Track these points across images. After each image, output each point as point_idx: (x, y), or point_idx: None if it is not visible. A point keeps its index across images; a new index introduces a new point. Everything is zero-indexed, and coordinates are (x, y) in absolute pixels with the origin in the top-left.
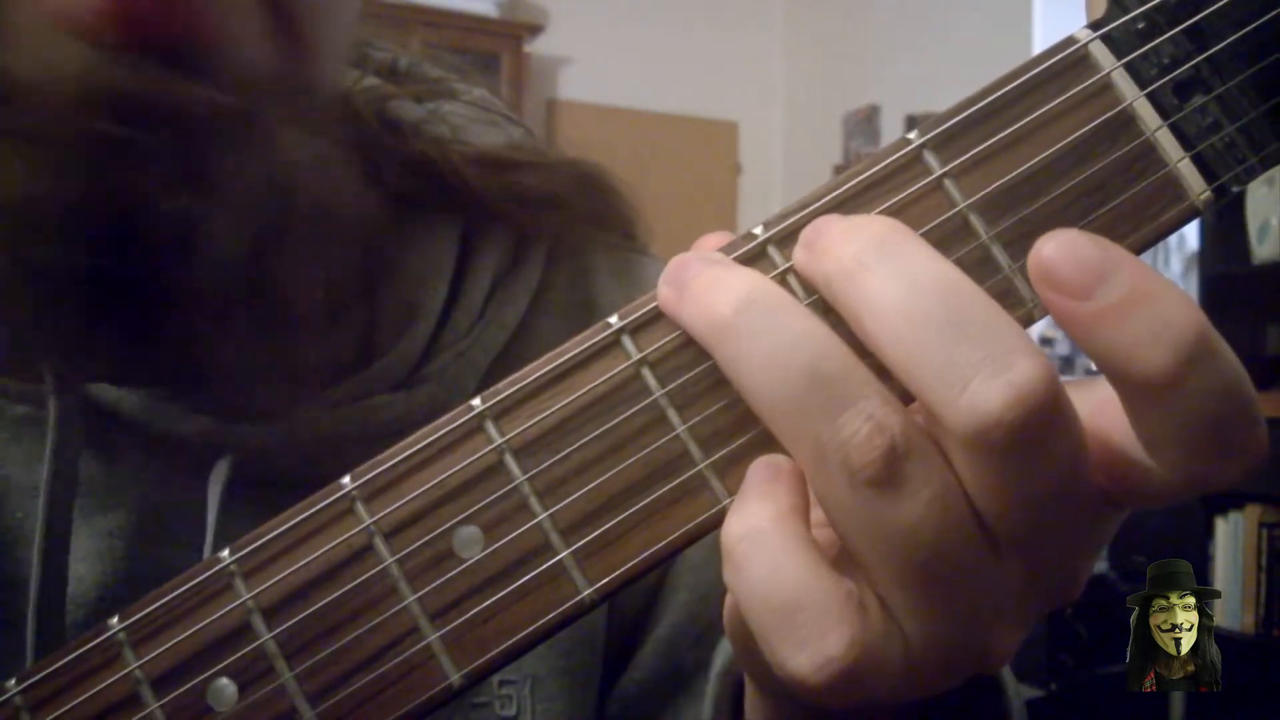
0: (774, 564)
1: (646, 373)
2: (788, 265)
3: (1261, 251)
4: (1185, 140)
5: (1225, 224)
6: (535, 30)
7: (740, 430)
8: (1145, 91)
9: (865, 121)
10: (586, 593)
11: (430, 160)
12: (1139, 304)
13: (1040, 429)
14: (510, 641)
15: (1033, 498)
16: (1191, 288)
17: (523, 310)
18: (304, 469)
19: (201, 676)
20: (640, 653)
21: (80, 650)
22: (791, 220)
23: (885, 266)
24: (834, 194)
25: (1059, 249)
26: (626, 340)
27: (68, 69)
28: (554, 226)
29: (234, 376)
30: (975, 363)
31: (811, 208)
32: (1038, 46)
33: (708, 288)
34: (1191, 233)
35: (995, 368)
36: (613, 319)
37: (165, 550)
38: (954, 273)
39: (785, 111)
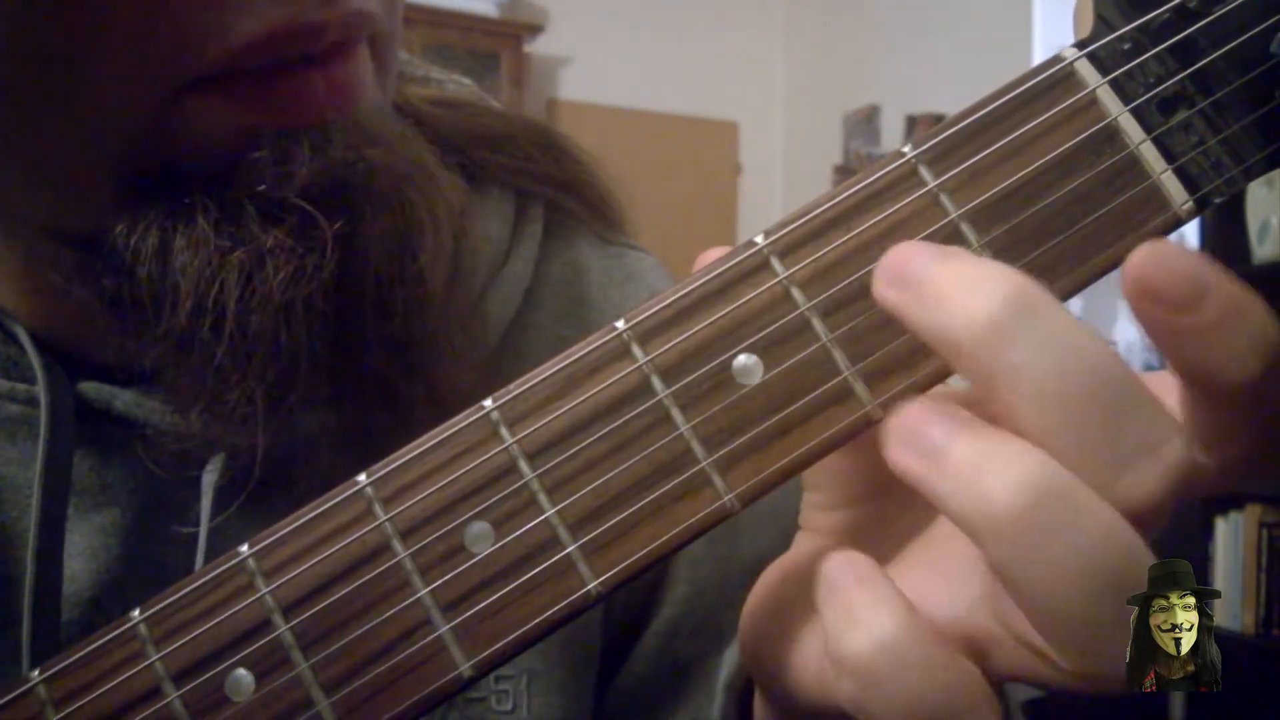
0: (916, 675)
1: (652, 375)
2: (788, 274)
3: (1261, 251)
4: (1168, 153)
5: (1225, 224)
6: (535, 30)
7: (741, 429)
8: (1129, 107)
9: (865, 121)
10: (593, 585)
11: (397, 107)
12: (1238, 315)
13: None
14: (519, 632)
15: None
16: None
17: (515, 307)
18: (296, 467)
19: (220, 667)
20: (638, 647)
21: (101, 642)
22: (791, 228)
23: (1030, 336)
24: (832, 203)
25: (1159, 263)
26: (632, 344)
27: (303, 172)
28: (511, 169)
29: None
30: (1133, 444)
31: (811, 215)
32: (1038, 46)
33: (977, 467)
34: (1191, 233)
35: (1151, 447)
36: (619, 323)
37: (159, 547)
38: (1102, 347)
39: (785, 111)
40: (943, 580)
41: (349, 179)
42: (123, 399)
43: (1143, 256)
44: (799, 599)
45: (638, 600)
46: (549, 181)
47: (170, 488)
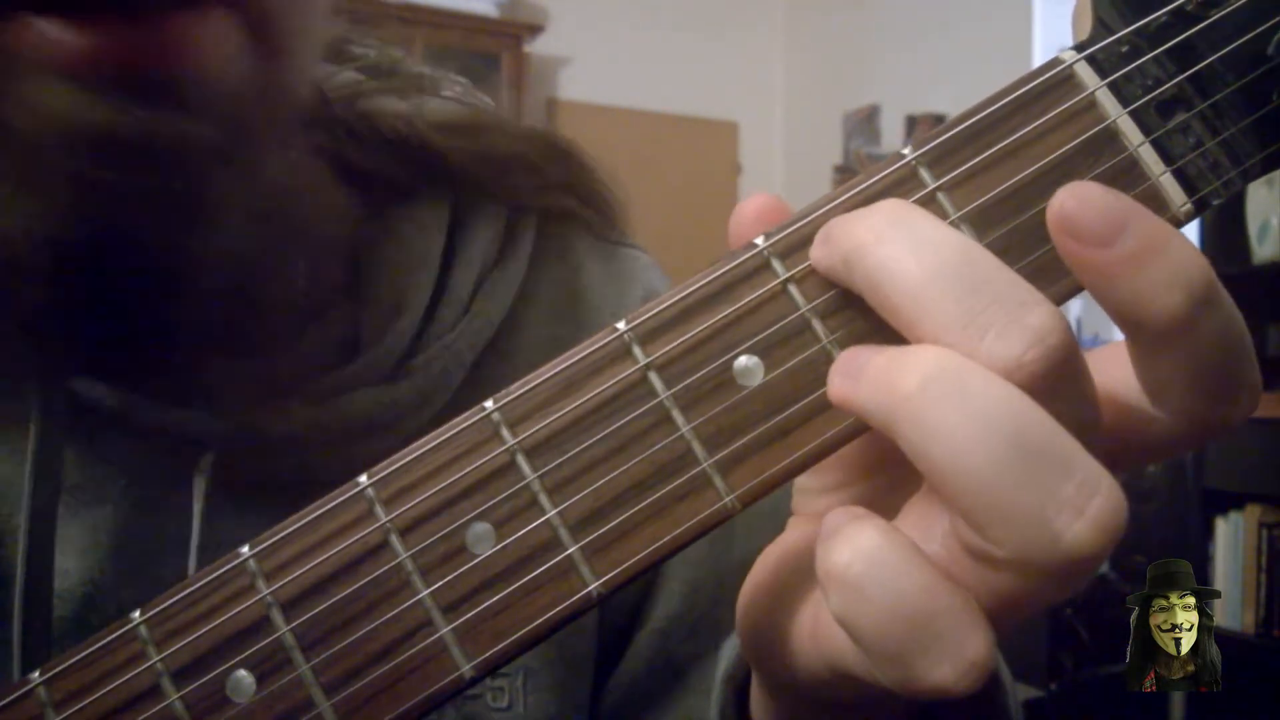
0: (897, 578)
1: (653, 376)
2: (790, 276)
3: (1261, 251)
4: (1166, 155)
5: (1225, 224)
6: (535, 30)
7: (742, 430)
8: (1128, 110)
9: (865, 121)
10: (594, 586)
11: (400, 134)
12: (1157, 249)
13: (1057, 373)
14: (520, 634)
15: None
16: None
17: (509, 304)
18: (288, 464)
19: (221, 669)
20: (634, 645)
21: (102, 643)
22: (791, 230)
23: (900, 235)
24: (833, 205)
25: (1079, 201)
26: (634, 345)
27: (57, 113)
28: (523, 189)
29: (217, 381)
30: (993, 313)
31: (812, 217)
32: (1038, 46)
33: (886, 368)
34: (1192, 232)
35: (1012, 315)
36: (620, 324)
37: (151, 544)
38: (962, 237)
39: (785, 111)
40: (918, 530)
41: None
42: (115, 396)
43: (1064, 194)
44: (794, 574)
45: (633, 599)
46: (553, 187)
47: (162, 485)
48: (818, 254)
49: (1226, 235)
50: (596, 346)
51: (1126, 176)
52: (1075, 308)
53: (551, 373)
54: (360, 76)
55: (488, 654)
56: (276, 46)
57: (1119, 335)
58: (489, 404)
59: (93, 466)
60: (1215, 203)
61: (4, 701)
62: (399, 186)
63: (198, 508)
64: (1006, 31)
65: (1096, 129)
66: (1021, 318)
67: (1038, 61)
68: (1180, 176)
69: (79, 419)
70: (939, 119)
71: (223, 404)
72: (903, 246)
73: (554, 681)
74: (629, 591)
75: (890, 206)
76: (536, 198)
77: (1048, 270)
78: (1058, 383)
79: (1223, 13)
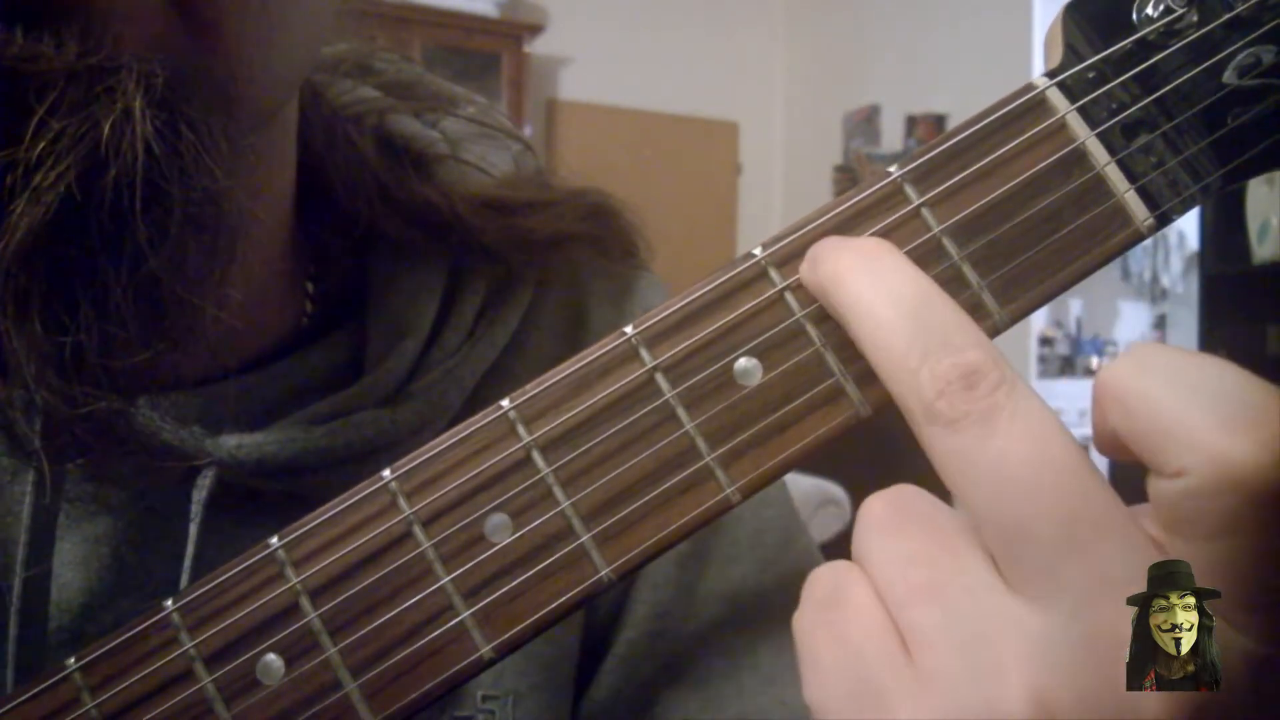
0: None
1: (659, 377)
2: (786, 284)
3: (1261, 251)
4: (1131, 174)
5: (1225, 224)
6: (535, 30)
7: (742, 427)
8: (1095, 131)
9: (865, 121)
10: (605, 572)
11: (434, 206)
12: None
13: (985, 409)
14: (537, 617)
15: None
16: (1191, 288)
17: (513, 328)
18: (287, 482)
19: (251, 653)
20: (601, 669)
21: (135, 630)
22: (788, 241)
23: (867, 275)
24: (825, 218)
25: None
26: (641, 348)
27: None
28: (559, 266)
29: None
30: (931, 350)
31: (805, 230)
32: (1038, 46)
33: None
34: (1192, 232)
35: (948, 353)
36: (628, 329)
37: (149, 558)
38: (925, 282)
39: (785, 111)
40: None
41: None
42: (114, 410)
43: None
44: None
45: (606, 622)
46: (590, 250)
47: (161, 499)
48: (806, 273)
49: (1226, 235)
50: (606, 349)
51: (1094, 193)
52: (1075, 308)
53: (564, 374)
54: (377, 93)
55: (506, 636)
56: (206, 22)
57: (1118, 335)
58: (505, 403)
59: (93, 479)
60: (1175, 218)
61: (41, 686)
62: (420, 244)
63: (195, 522)
64: (1006, 31)
65: (1066, 150)
66: (954, 356)
67: (1037, 61)
68: (1143, 193)
69: (81, 432)
70: (939, 119)
71: (223, 422)
72: (867, 286)
73: (542, 705)
74: (603, 614)
75: (865, 245)
76: (565, 267)
77: (1025, 278)
78: (984, 415)
79: (1183, 42)
